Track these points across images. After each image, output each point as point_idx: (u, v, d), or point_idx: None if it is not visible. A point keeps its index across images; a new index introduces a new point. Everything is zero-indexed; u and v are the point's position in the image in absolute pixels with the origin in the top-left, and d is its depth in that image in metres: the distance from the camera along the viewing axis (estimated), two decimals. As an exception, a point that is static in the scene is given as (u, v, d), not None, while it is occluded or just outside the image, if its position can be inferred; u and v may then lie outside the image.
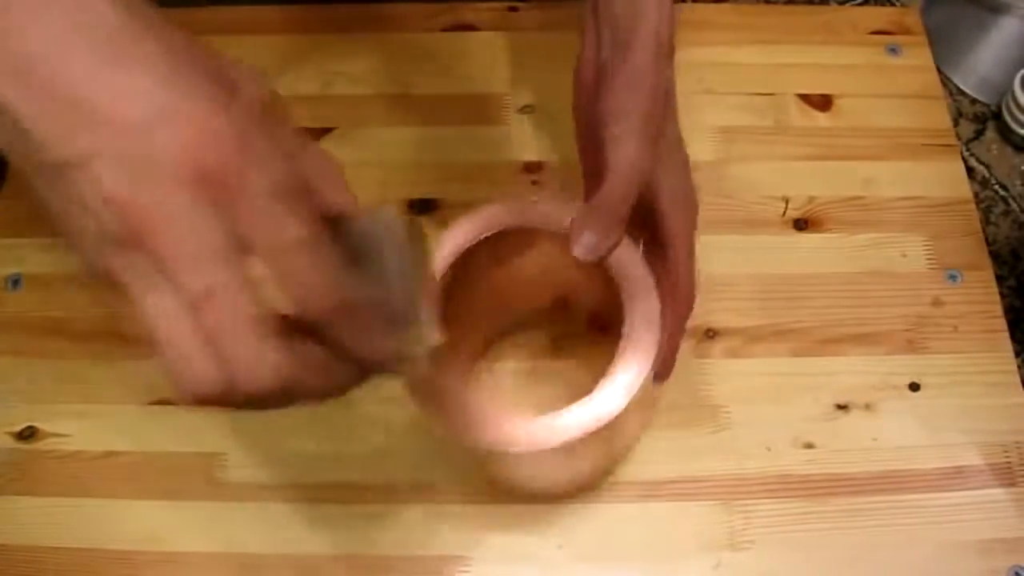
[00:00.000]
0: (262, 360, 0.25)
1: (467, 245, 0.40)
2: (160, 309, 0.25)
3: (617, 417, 0.36)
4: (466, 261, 0.41)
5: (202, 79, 0.24)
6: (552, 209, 0.40)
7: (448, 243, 0.40)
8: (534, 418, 0.36)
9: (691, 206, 0.42)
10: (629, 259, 0.40)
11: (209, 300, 0.24)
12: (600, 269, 0.39)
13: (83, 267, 0.26)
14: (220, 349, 0.25)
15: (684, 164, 0.42)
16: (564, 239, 0.38)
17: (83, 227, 0.25)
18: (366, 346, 0.27)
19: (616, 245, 0.38)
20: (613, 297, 0.39)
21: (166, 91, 0.23)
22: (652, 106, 0.38)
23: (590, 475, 0.45)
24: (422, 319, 0.29)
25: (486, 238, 0.40)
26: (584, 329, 0.48)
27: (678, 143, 0.42)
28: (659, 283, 0.39)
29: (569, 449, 0.36)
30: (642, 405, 0.40)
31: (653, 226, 0.40)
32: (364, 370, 0.28)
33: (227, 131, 0.23)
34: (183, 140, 0.23)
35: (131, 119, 0.23)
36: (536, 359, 0.49)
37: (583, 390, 0.37)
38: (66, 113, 0.23)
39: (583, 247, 0.37)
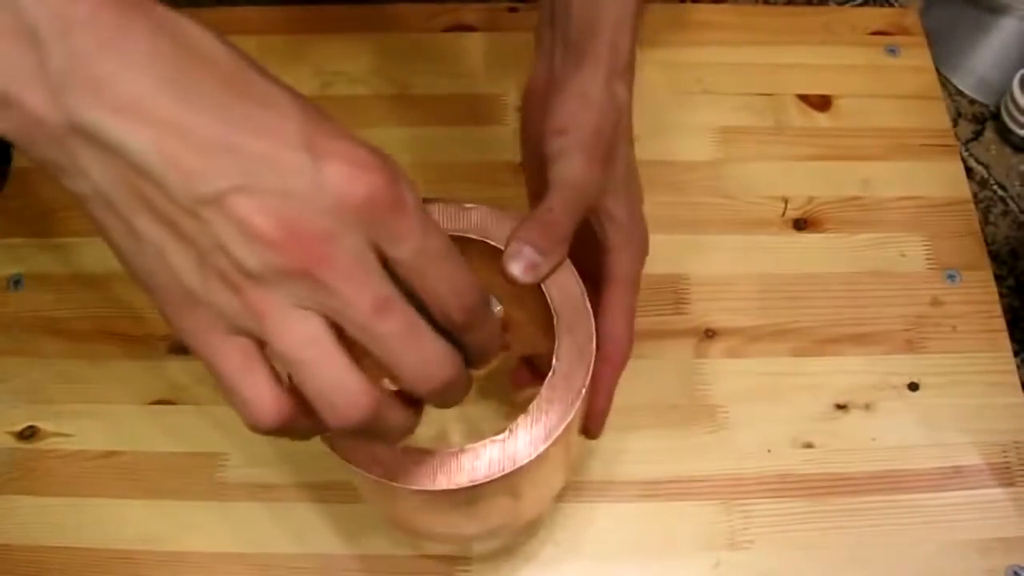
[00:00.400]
0: (447, 353, 0.27)
1: None
2: (309, 335, 0.25)
3: (534, 462, 0.32)
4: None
5: (324, 117, 0.25)
6: (488, 218, 0.36)
7: None
8: (439, 454, 0.32)
9: (640, 244, 0.39)
10: (568, 287, 0.35)
11: (383, 310, 0.25)
12: (534, 295, 0.35)
13: (174, 312, 0.26)
14: (401, 353, 0.26)
15: (638, 197, 0.39)
16: (498, 255, 0.34)
17: (199, 269, 0.24)
18: (495, 344, 0.29)
19: (556, 266, 0.35)
20: (546, 329, 0.35)
21: (305, 127, 0.24)
22: (601, 122, 0.36)
23: (492, 531, 0.40)
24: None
25: None
26: (512, 362, 0.45)
27: (632, 173, 0.39)
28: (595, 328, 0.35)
29: (472, 495, 0.33)
30: (563, 455, 0.36)
31: (595, 263, 0.37)
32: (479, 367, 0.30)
33: (373, 161, 0.24)
34: (347, 172, 0.24)
35: (282, 154, 0.23)
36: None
37: (500, 428, 0.33)
38: (199, 149, 0.23)
39: (522, 263, 0.34)
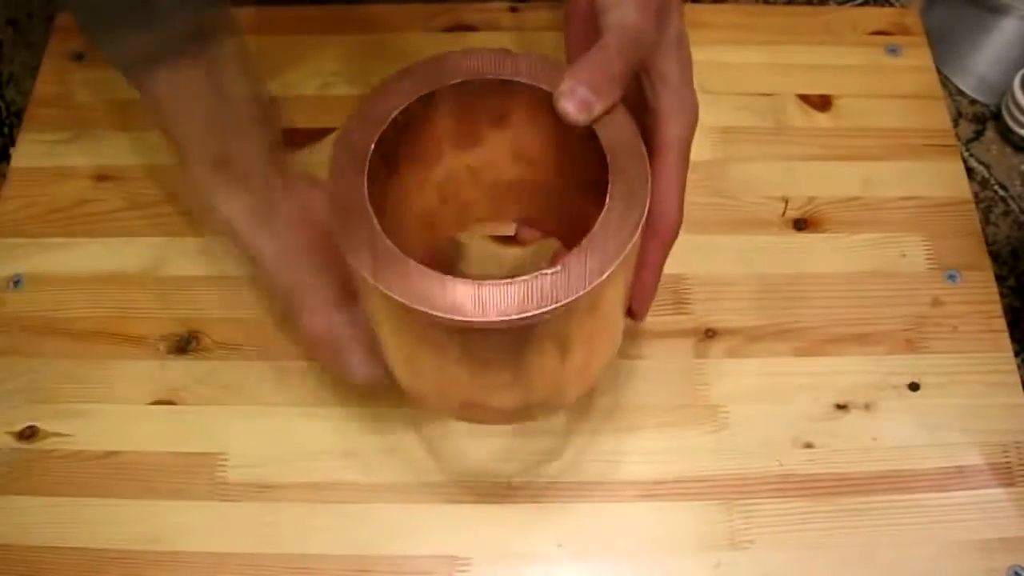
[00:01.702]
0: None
1: (421, 94, 0.34)
2: None
3: (587, 297, 0.30)
4: (417, 117, 0.34)
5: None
6: (537, 65, 0.34)
7: (397, 90, 0.34)
8: (485, 283, 0.30)
9: (690, 110, 0.37)
10: (622, 128, 0.33)
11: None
12: (583, 148, 0.34)
13: None
14: None
15: (687, 64, 0.37)
16: (548, 104, 0.32)
17: None
18: None
19: (610, 108, 0.33)
20: (591, 195, 0.33)
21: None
22: None
23: (533, 402, 0.38)
24: None
25: (447, 88, 0.34)
26: (556, 235, 0.43)
27: (684, 40, 0.37)
28: None
29: (520, 337, 0.31)
30: (616, 302, 0.35)
31: (645, 129, 0.35)
32: None
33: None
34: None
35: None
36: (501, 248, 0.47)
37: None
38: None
39: (575, 101, 0.32)
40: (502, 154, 0.39)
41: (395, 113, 0.34)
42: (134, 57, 0.39)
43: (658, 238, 0.36)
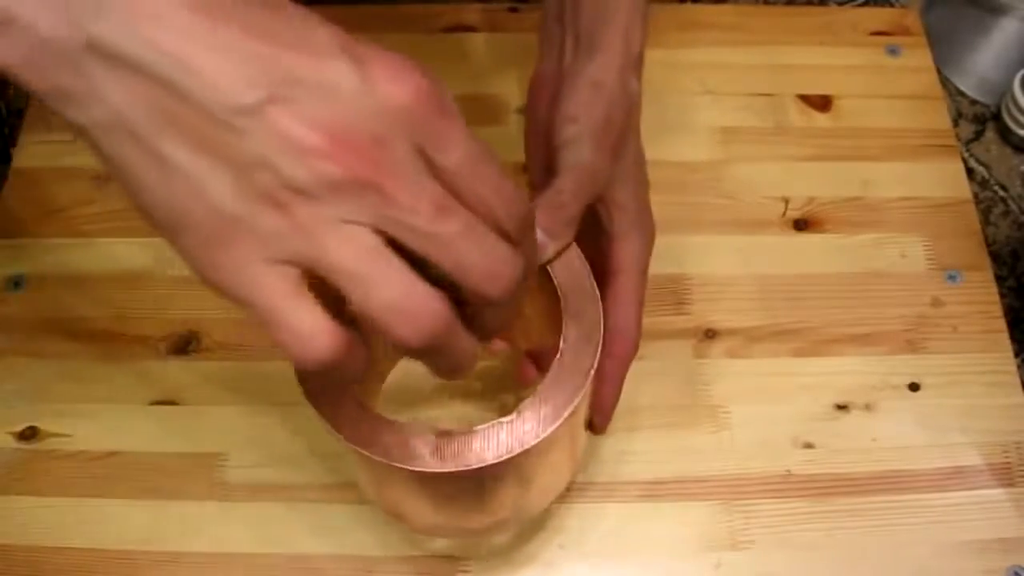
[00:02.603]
0: (510, 251, 0.25)
1: None
2: (367, 247, 0.23)
3: (543, 444, 0.32)
4: None
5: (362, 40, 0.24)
6: None
7: None
8: (444, 435, 0.32)
9: (647, 233, 0.38)
10: (575, 270, 0.35)
11: (444, 212, 0.24)
12: (541, 284, 0.35)
13: (207, 250, 0.24)
14: (467, 253, 0.24)
15: (645, 187, 0.39)
16: None
17: (238, 191, 0.23)
18: (536, 261, 0.31)
19: (563, 249, 0.34)
20: (552, 322, 0.35)
21: (340, 38, 0.23)
22: (612, 111, 0.36)
23: (497, 523, 0.39)
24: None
25: None
26: (515, 360, 0.44)
27: (640, 163, 0.39)
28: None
29: (479, 480, 0.32)
30: (570, 440, 0.36)
31: (602, 252, 0.37)
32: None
33: (414, 65, 0.24)
34: (391, 75, 0.23)
35: (322, 61, 0.22)
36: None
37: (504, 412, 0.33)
38: (232, 59, 0.21)
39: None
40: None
41: None
42: None
43: (618, 358, 0.37)
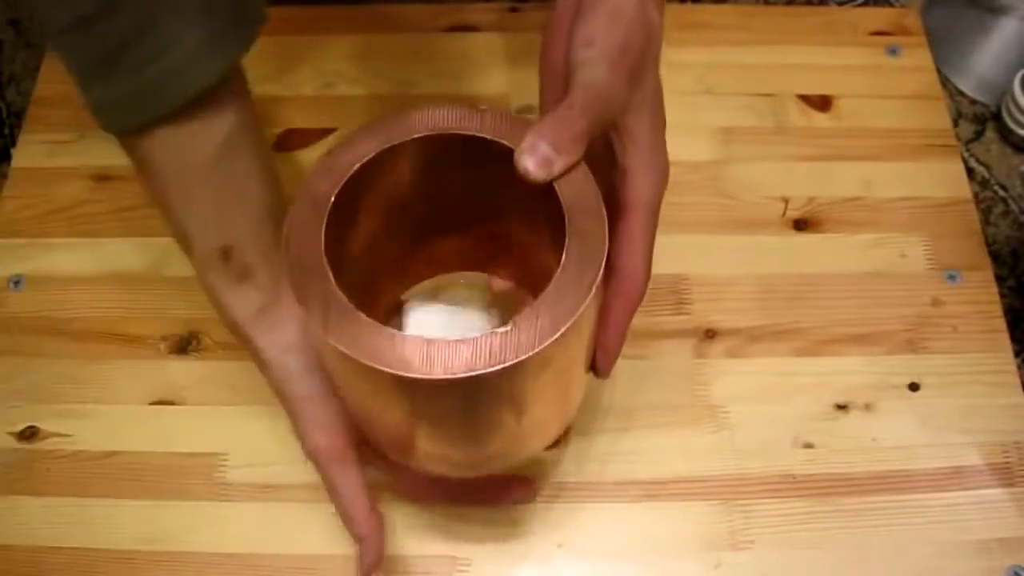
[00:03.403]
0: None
1: (385, 147, 0.34)
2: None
3: (538, 358, 0.30)
4: (382, 169, 0.34)
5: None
6: (502, 121, 0.34)
7: (361, 143, 0.34)
8: (435, 341, 0.30)
9: (660, 171, 0.36)
10: (582, 188, 0.33)
11: None
12: (546, 205, 0.33)
13: None
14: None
15: (661, 123, 0.36)
16: (509, 156, 0.32)
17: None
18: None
19: (570, 166, 0.33)
20: (554, 248, 0.33)
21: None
22: (630, 37, 0.34)
23: (490, 456, 0.38)
24: None
25: (412, 141, 0.34)
26: (513, 282, 0.43)
27: (658, 98, 0.36)
28: (609, 259, 0.33)
29: (471, 394, 0.31)
30: (570, 361, 0.35)
31: (613, 188, 0.35)
32: None
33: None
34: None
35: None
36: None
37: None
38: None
39: (535, 158, 0.32)
40: (468, 207, 0.39)
41: (357, 165, 0.34)
42: (126, 107, 0.33)
43: (625, 299, 0.36)
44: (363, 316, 0.31)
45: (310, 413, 0.39)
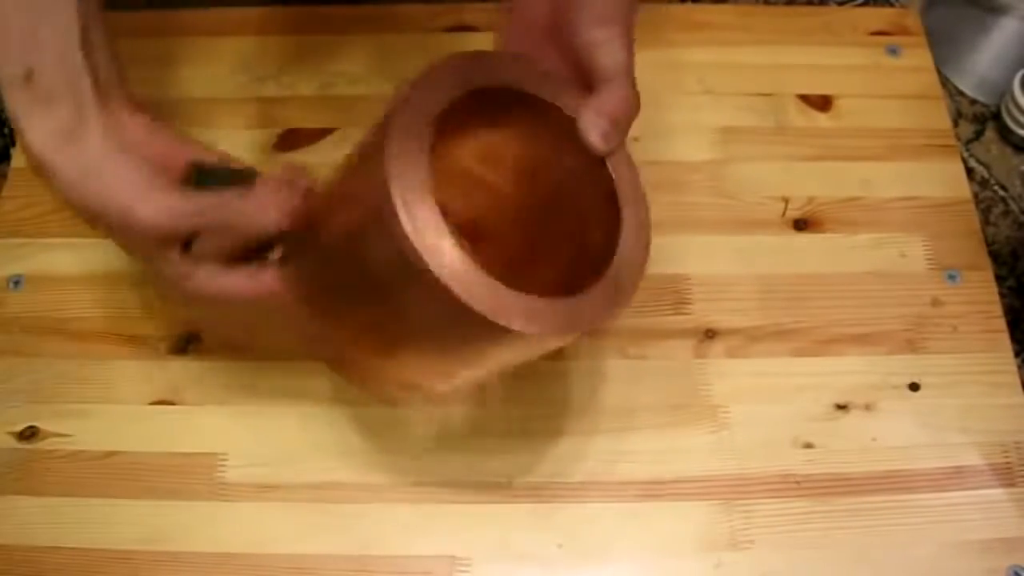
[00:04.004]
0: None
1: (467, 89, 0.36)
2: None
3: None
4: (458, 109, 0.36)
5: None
6: (561, 86, 0.37)
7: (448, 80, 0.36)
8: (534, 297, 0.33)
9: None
10: (627, 164, 0.38)
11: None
12: (597, 173, 0.37)
13: None
14: None
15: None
16: (536, 107, 0.36)
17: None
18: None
19: (623, 137, 0.37)
20: (603, 210, 0.37)
21: None
22: (631, 13, 0.38)
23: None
24: None
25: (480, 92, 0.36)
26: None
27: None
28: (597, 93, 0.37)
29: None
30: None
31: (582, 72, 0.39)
32: None
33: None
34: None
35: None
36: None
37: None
38: None
39: (599, 132, 0.37)
40: (496, 160, 0.41)
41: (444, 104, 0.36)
42: None
43: (608, 116, 0.38)
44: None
45: (134, 190, 0.36)
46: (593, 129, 0.37)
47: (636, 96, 0.38)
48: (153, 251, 0.36)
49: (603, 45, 0.38)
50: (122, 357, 0.49)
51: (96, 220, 0.38)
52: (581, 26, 0.38)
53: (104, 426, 0.48)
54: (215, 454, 0.47)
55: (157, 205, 0.35)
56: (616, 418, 0.48)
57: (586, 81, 0.38)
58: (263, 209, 0.35)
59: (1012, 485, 0.46)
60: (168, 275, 0.37)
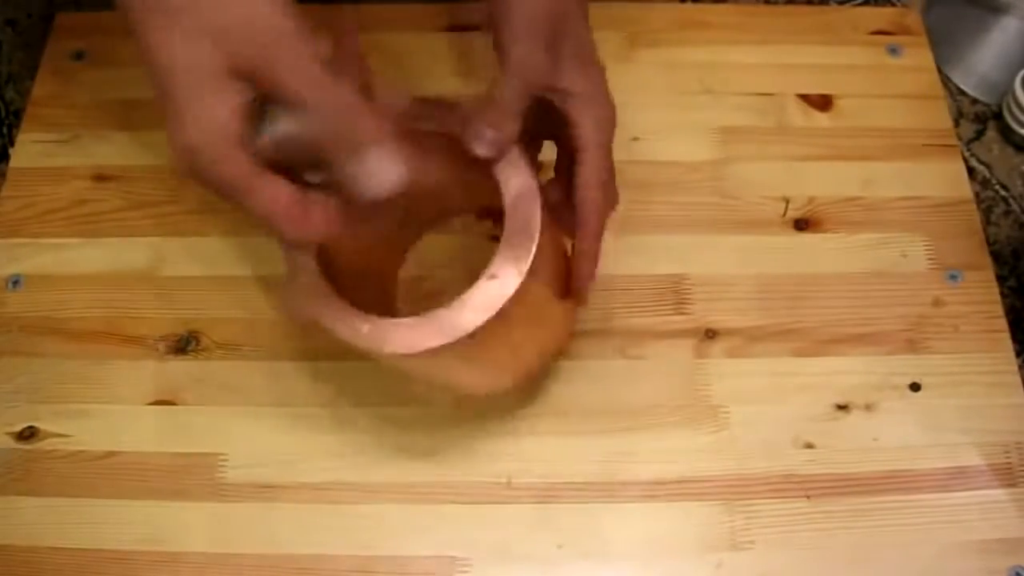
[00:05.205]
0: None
1: None
2: None
3: (483, 328, 0.35)
4: None
5: None
6: (444, 112, 0.39)
7: None
8: (396, 320, 0.36)
9: (603, 110, 0.41)
10: (514, 167, 0.38)
11: None
12: (488, 180, 0.39)
13: None
14: None
15: (597, 72, 0.41)
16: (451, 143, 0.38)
17: None
18: None
19: (511, 139, 0.38)
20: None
21: None
22: (539, 7, 0.38)
23: (477, 380, 0.44)
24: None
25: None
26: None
27: (587, 50, 0.41)
28: (571, 195, 0.40)
29: (432, 357, 0.36)
30: (529, 319, 0.40)
31: (564, 135, 0.40)
32: None
33: None
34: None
35: None
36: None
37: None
38: None
39: (482, 141, 0.38)
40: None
41: None
42: None
43: (586, 227, 0.40)
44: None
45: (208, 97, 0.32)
46: (473, 144, 0.38)
47: (519, 98, 0.38)
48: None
49: (505, 44, 0.38)
50: (122, 357, 0.49)
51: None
52: (496, 24, 0.39)
53: (104, 426, 0.48)
54: (215, 454, 0.47)
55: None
56: (616, 418, 0.48)
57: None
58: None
59: (1013, 485, 0.46)
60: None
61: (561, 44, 0.39)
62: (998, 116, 0.59)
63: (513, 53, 0.38)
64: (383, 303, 0.47)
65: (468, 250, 0.51)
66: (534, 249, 0.36)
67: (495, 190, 0.38)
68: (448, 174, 0.43)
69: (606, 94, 0.41)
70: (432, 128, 0.40)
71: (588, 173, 0.40)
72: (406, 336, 0.36)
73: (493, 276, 0.36)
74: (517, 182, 0.38)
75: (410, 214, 0.47)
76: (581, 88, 0.40)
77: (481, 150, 0.38)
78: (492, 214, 0.48)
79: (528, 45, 0.38)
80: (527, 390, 0.48)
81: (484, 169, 0.39)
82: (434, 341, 0.35)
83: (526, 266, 0.36)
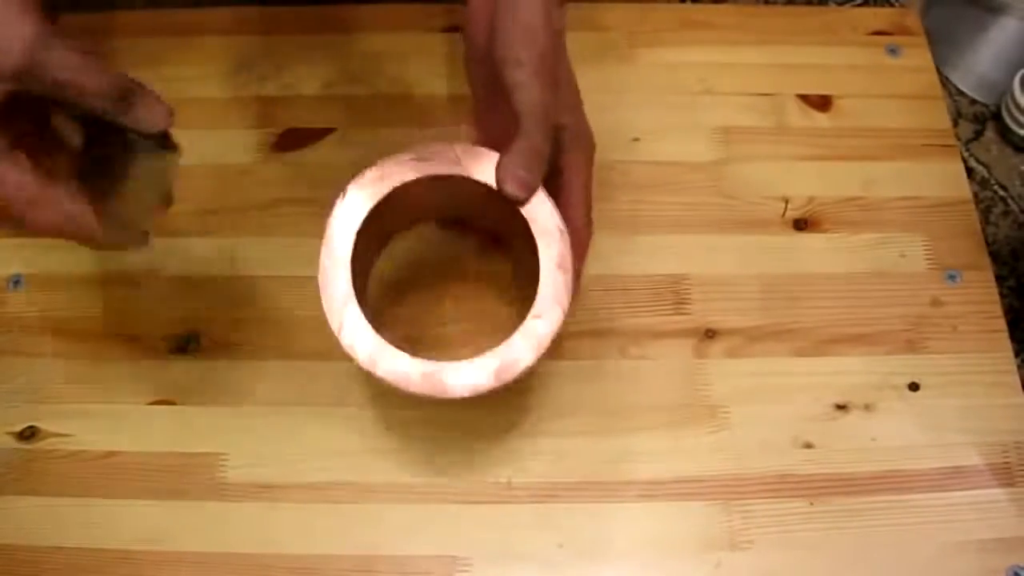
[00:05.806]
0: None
1: (380, 198, 0.41)
2: None
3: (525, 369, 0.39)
4: (380, 215, 0.41)
5: None
6: (465, 155, 0.41)
7: (358, 200, 0.41)
8: (445, 363, 0.38)
9: (587, 141, 0.43)
10: (543, 209, 0.41)
11: None
12: (515, 220, 0.41)
13: None
14: None
15: (578, 103, 0.43)
16: (475, 183, 0.40)
17: None
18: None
19: (540, 179, 0.40)
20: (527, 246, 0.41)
21: None
22: (545, 49, 0.40)
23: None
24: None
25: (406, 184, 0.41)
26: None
27: (571, 85, 0.43)
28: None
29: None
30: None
31: (551, 163, 0.42)
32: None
33: None
34: None
35: None
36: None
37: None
38: None
39: (516, 182, 0.40)
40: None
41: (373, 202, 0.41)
42: None
43: (575, 251, 0.41)
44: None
45: None
46: (508, 182, 0.40)
47: (545, 140, 0.40)
48: None
49: (516, 88, 0.39)
50: (122, 357, 0.49)
51: None
52: (501, 68, 0.40)
53: (104, 426, 0.48)
54: (215, 454, 0.47)
55: None
56: (616, 418, 0.48)
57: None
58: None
59: (1011, 485, 0.46)
60: None
61: (559, 83, 0.41)
62: (997, 116, 0.59)
63: (532, 97, 0.39)
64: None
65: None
66: (572, 286, 0.39)
67: (475, 207, 0.42)
68: (437, 202, 0.45)
69: (588, 128, 0.44)
70: (434, 172, 0.41)
71: (575, 200, 0.42)
72: (461, 382, 0.38)
73: (538, 316, 0.39)
74: (544, 220, 0.40)
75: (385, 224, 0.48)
76: (570, 121, 0.42)
77: (512, 189, 0.40)
78: (458, 223, 0.50)
79: (543, 89, 0.39)
80: (527, 390, 0.48)
81: (477, 198, 0.41)
82: (491, 384, 0.38)
83: (567, 303, 0.39)
